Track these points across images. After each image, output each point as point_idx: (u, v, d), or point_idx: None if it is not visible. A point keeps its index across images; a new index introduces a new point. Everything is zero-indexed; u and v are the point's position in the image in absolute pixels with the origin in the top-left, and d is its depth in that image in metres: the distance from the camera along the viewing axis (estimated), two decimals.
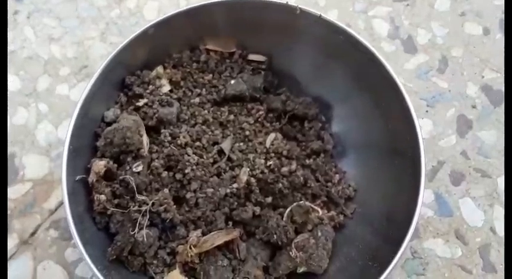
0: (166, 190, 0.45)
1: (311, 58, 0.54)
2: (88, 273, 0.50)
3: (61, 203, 0.54)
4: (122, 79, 0.50)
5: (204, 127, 0.50)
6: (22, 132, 0.57)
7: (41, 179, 0.55)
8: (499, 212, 0.55)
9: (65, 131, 0.56)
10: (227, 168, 0.49)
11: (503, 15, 0.65)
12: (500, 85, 0.61)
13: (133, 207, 0.43)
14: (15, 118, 0.58)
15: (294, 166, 0.50)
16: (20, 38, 0.63)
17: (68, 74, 0.61)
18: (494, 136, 0.58)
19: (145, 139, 0.46)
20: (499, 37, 0.64)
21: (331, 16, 0.64)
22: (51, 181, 0.55)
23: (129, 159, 0.45)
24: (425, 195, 0.55)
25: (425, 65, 0.62)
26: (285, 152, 0.51)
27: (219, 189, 0.47)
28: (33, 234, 0.52)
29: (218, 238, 0.45)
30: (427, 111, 0.59)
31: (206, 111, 0.51)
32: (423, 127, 0.58)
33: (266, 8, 0.50)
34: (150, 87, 0.50)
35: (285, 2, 0.49)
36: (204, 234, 0.45)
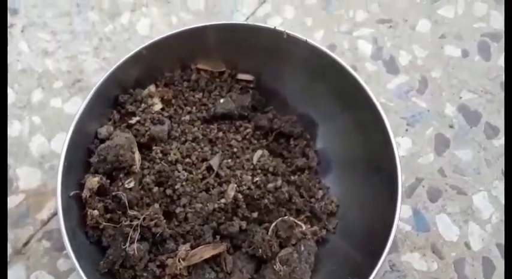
0: (156, 205, 0.47)
1: (297, 79, 0.56)
2: None
3: (54, 214, 0.55)
4: (115, 97, 0.52)
5: (193, 144, 0.52)
6: (16, 144, 0.59)
7: (34, 191, 0.56)
8: (474, 228, 0.57)
9: (58, 144, 0.59)
10: (215, 184, 0.51)
11: (481, 38, 0.68)
12: (477, 105, 0.63)
13: (125, 222, 0.45)
14: (10, 130, 0.59)
15: (279, 182, 0.52)
16: (14, 51, 0.64)
17: (61, 87, 0.62)
18: (470, 155, 0.61)
19: (137, 156, 0.48)
20: (478, 59, 0.66)
21: (317, 36, 0.67)
22: (44, 193, 0.56)
23: (121, 175, 0.47)
24: (403, 210, 0.57)
25: (406, 85, 0.64)
26: (271, 169, 0.53)
27: (208, 204, 0.49)
28: (26, 244, 0.54)
29: (206, 252, 0.47)
30: (407, 130, 0.62)
31: (196, 129, 0.53)
32: (403, 145, 0.61)
33: (255, 32, 0.53)
34: (143, 105, 0.51)
35: (273, 27, 0.52)
36: (192, 248, 0.47)
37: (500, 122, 0.62)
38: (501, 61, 0.66)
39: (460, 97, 0.64)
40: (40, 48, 0.65)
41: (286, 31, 0.51)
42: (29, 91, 0.62)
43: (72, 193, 0.45)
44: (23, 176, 0.57)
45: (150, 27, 0.66)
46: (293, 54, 0.54)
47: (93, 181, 0.45)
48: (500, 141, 0.61)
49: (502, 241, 0.56)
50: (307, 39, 0.51)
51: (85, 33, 0.66)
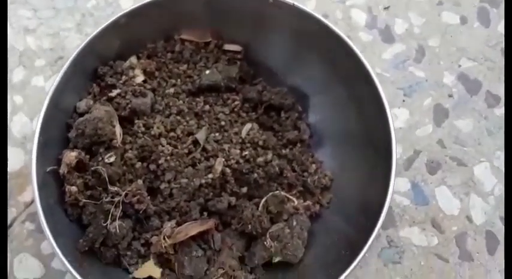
0: (140, 181, 0.45)
1: (287, 49, 0.53)
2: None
3: None
4: (94, 70, 0.49)
5: (178, 117, 0.50)
6: None
7: (16, 172, 0.54)
8: (475, 200, 0.55)
9: None
10: (202, 158, 0.48)
11: (480, 4, 0.65)
12: (476, 74, 0.61)
13: (106, 198, 0.43)
14: None
15: (269, 156, 0.50)
16: None
17: (43, 65, 0.60)
18: (471, 125, 0.58)
19: (118, 129, 0.46)
20: (477, 26, 0.64)
21: (309, 6, 0.64)
22: (27, 174, 0.54)
23: (101, 150, 0.45)
24: (401, 184, 0.55)
25: (403, 55, 0.62)
26: (260, 143, 0.51)
27: (194, 179, 0.47)
28: (9, 227, 0.52)
29: (192, 229, 0.45)
30: (404, 101, 0.59)
31: (181, 102, 0.51)
32: (400, 116, 0.58)
33: None
34: (124, 77, 0.49)
35: None
36: (178, 224, 0.45)
37: (501, 90, 0.60)
38: (501, 27, 0.63)
39: (459, 66, 0.61)
40: (21, 25, 0.62)
41: None
42: (10, 70, 0.60)
43: (48, 169, 0.43)
44: None
45: (134, 0, 0.64)
46: (281, 22, 0.51)
47: (70, 156, 0.43)
48: (501, 110, 0.59)
49: None
50: (294, 3, 0.48)
51: (67, 9, 0.63)
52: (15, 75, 0.59)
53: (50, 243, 0.40)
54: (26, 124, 0.57)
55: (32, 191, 0.52)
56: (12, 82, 0.59)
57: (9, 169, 0.54)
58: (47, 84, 0.59)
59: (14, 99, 0.58)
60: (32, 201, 0.53)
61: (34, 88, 0.59)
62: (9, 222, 0.52)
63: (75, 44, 0.61)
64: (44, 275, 0.50)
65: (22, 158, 0.55)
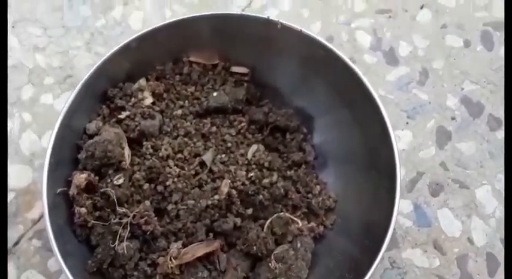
0: (147, 202, 0.46)
1: (293, 71, 0.54)
2: None
3: None
4: (104, 92, 0.50)
5: (186, 139, 0.51)
6: None
7: (24, 189, 0.55)
8: (477, 222, 0.56)
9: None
10: (208, 180, 0.49)
11: (484, 27, 0.66)
12: (479, 96, 0.62)
13: (114, 219, 0.44)
14: None
15: (275, 178, 0.50)
16: None
17: (52, 83, 0.61)
18: (473, 148, 0.59)
19: (126, 151, 0.46)
20: (480, 49, 0.65)
21: (314, 28, 0.65)
22: (34, 191, 0.55)
23: (110, 172, 0.45)
24: (404, 205, 0.56)
25: (407, 77, 0.62)
26: (266, 164, 0.51)
27: (200, 201, 0.47)
28: (16, 244, 0.53)
29: (199, 250, 0.46)
30: (407, 123, 0.60)
31: (188, 123, 0.52)
32: (403, 138, 0.59)
33: (248, 22, 0.51)
34: (133, 99, 0.50)
35: (267, 17, 0.50)
36: (184, 246, 0.46)
37: (503, 113, 0.60)
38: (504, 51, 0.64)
39: (462, 89, 0.62)
40: (31, 43, 0.63)
41: (280, 21, 0.50)
42: (19, 88, 0.60)
43: (59, 190, 0.44)
44: (13, 175, 0.56)
45: (143, 21, 0.65)
46: (288, 46, 0.52)
47: (80, 178, 0.43)
48: (503, 133, 0.59)
49: None
50: (302, 29, 0.49)
51: (76, 28, 0.64)
52: (24, 92, 0.60)
53: (58, 263, 0.40)
54: (34, 142, 0.58)
55: (40, 209, 0.54)
56: (21, 100, 0.60)
57: (16, 186, 0.55)
58: (55, 102, 0.60)
59: (22, 116, 0.59)
60: (40, 218, 0.54)
61: (43, 106, 0.60)
62: (16, 239, 0.53)
63: (84, 62, 0.62)
64: None
65: (30, 175, 0.56)
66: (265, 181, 0.50)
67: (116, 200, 0.44)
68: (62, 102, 0.60)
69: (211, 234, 0.47)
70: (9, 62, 0.62)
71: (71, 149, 0.47)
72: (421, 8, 0.67)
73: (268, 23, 0.50)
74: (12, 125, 0.58)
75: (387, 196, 0.46)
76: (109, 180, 0.45)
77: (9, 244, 0.52)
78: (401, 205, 0.56)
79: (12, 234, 0.53)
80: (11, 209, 0.54)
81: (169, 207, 0.47)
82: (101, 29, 0.64)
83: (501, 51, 0.64)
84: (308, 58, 0.52)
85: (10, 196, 0.54)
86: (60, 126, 0.44)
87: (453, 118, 0.60)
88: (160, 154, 0.48)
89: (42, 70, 0.62)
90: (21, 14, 0.65)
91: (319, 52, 0.50)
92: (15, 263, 0.52)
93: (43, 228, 0.53)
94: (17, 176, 0.56)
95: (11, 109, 0.59)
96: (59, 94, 0.60)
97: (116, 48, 0.47)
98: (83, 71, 0.61)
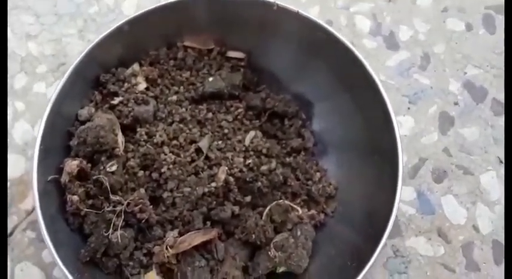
0: (142, 190, 0.44)
1: (291, 56, 0.53)
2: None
3: None
4: (96, 77, 0.49)
5: (181, 125, 0.49)
6: None
7: (17, 179, 0.54)
8: (482, 209, 0.54)
9: None
10: (205, 167, 0.48)
11: (485, 11, 0.64)
12: (482, 81, 0.60)
13: (108, 207, 0.42)
14: None
15: (273, 164, 0.49)
16: None
17: (45, 72, 0.60)
18: (477, 133, 0.57)
19: (120, 138, 0.45)
20: (482, 32, 0.63)
21: (313, 13, 0.63)
22: (28, 181, 0.54)
23: (103, 159, 0.44)
24: (407, 193, 0.54)
25: (407, 62, 0.61)
26: (264, 151, 0.50)
27: (197, 188, 0.46)
28: (10, 235, 0.51)
29: (195, 238, 0.44)
30: (408, 108, 0.58)
31: (184, 109, 0.50)
32: (405, 124, 0.58)
33: (244, 4, 0.50)
34: (126, 84, 0.49)
35: None
36: (181, 234, 0.44)
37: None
38: None
39: (465, 73, 0.61)
40: (23, 31, 0.62)
41: (276, 2, 0.48)
42: (11, 76, 0.59)
43: (50, 178, 0.42)
44: None
45: (137, 7, 0.63)
46: (285, 29, 0.51)
47: (72, 165, 0.42)
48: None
49: None
50: (299, 10, 0.48)
51: (69, 15, 0.63)
52: (16, 81, 0.59)
53: (50, 253, 0.39)
54: (27, 131, 0.56)
55: (33, 199, 0.53)
56: (13, 89, 0.58)
57: (10, 176, 0.54)
58: (48, 90, 0.59)
59: (15, 105, 0.57)
60: (33, 209, 0.53)
61: (36, 94, 0.58)
62: (10, 230, 0.52)
63: (77, 50, 0.61)
64: None
65: (23, 165, 0.55)
66: (264, 168, 0.48)
67: (109, 188, 0.42)
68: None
69: (208, 223, 0.46)
70: None
71: (62, 137, 0.46)
72: None
73: (264, 4, 0.49)
74: None
75: (389, 182, 0.44)
76: (102, 167, 0.44)
77: None
78: (404, 192, 0.54)
79: None
80: None
81: (165, 195, 0.45)
82: (94, 15, 0.63)
83: (504, 34, 0.63)
84: (306, 42, 0.51)
85: None
86: (51, 113, 0.43)
87: (456, 103, 0.59)
88: (155, 141, 0.47)
89: (35, 59, 0.60)
90: (14, 2, 0.63)
91: (317, 35, 0.49)
92: (9, 255, 0.51)
93: (37, 219, 0.52)
94: (10, 166, 0.54)
95: None
96: (52, 82, 0.59)
97: (106, 31, 0.46)
98: (76, 59, 0.60)
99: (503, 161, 0.55)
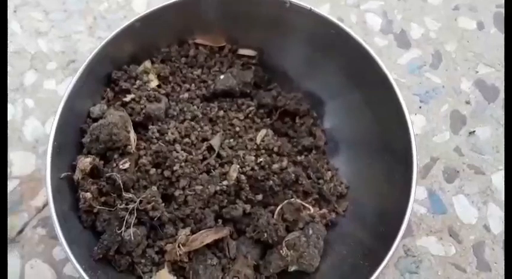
0: (154, 188, 0.44)
1: (302, 53, 0.53)
2: (76, 272, 0.49)
3: None
4: (108, 74, 0.49)
5: (193, 123, 0.49)
6: (9, 128, 0.56)
7: (28, 176, 0.54)
8: (493, 209, 0.54)
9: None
10: (217, 165, 0.48)
11: (497, 9, 0.64)
12: (494, 80, 0.60)
13: (120, 205, 0.42)
14: None
15: (285, 163, 0.49)
16: None
17: (55, 69, 0.59)
18: (488, 133, 0.57)
19: (132, 135, 0.45)
20: (494, 31, 0.63)
21: (323, 10, 0.63)
22: (39, 178, 0.54)
23: (115, 156, 0.44)
24: (418, 192, 0.54)
25: (419, 60, 0.61)
26: (275, 149, 0.50)
27: (209, 186, 0.46)
28: (20, 232, 0.51)
29: (207, 236, 0.44)
30: (420, 107, 0.58)
31: (195, 107, 0.50)
32: (416, 123, 0.57)
33: (256, 2, 0.49)
34: (138, 82, 0.48)
35: None
36: (193, 232, 0.44)
37: None
38: None
39: (477, 72, 0.60)
40: (33, 28, 0.62)
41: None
42: (21, 73, 0.59)
43: (63, 175, 0.42)
44: (17, 162, 0.54)
45: (147, 4, 0.63)
46: (297, 26, 0.50)
47: (85, 162, 0.42)
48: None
49: None
50: (312, 8, 0.48)
51: (79, 12, 0.63)
52: (26, 78, 0.59)
53: (64, 250, 0.39)
54: (37, 128, 0.56)
55: (45, 196, 0.53)
56: (23, 86, 0.58)
57: (20, 173, 0.54)
58: (58, 87, 0.59)
59: (25, 102, 0.57)
60: (44, 206, 0.53)
61: (46, 91, 0.58)
62: (20, 227, 0.52)
63: (87, 47, 0.61)
64: None
65: (34, 162, 0.55)
66: (275, 166, 0.48)
67: (121, 185, 0.42)
68: (65, 87, 0.57)
69: (220, 221, 0.46)
70: (11, 48, 0.60)
71: (75, 134, 0.45)
72: None
73: (276, 1, 0.48)
74: (15, 111, 0.57)
75: (402, 181, 0.44)
76: (114, 164, 0.43)
77: (13, 233, 0.51)
78: (416, 192, 0.54)
79: (16, 223, 0.52)
80: (14, 196, 0.53)
81: (177, 193, 0.45)
82: (104, 12, 0.63)
83: None
84: (318, 40, 0.50)
85: (14, 184, 0.53)
86: (63, 110, 0.43)
87: (468, 102, 0.59)
88: (167, 138, 0.47)
89: (45, 56, 0.60)
90: None
91: (329, 32, 0.49)
92: (19, 252, 0.50)
93: (47, 216, 0.52)
94: (20, 163, 0.54)
95: (13, 96, 0.57)
96: (62, 79, 0.59)
97: (118, 29, 0.46)
98: (86, 56, 0.58)
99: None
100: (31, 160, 0.55)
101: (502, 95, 0.59)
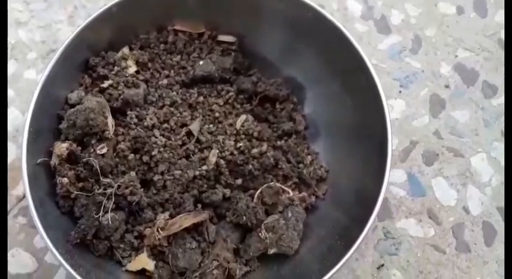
0: (132, 173, 0.44)
1: (282, 39, 0.53)
2: (56, 260, 0.49)
3: None
4: (86, 61, 0.49)
5: (172, 108, 0.49)
6: None
7: (8, 166, 0.54)
8: (473, 191, 0.54)
9: None
10: (196, 150, 0.48)
11: None
12: (473, 64, 0.60)
13: (98, 190, 0.42)
14: None
15: (264, 148, 0.49)
16: None
17: (35, 58, 0.59)
18: (467, 116, 0.58)
19: (110, 120, 0.45)
20: (473, 16, 0.63)
21: None
22: (19, 168, 0.53)
23: (93, 141, 0.44)
24: (397, 175, 0.55)
25: (399, 45, 0.61)
26: (255, 134, 0.50)
27: (188, 171, 0.46)
28: None
29: (186, 220, 0.44)
30: (400, 92, 0.59)
31: (174, 93, 0.50)
32: (396, 107, 0.58)
33: None
34: (116, 68, 0.48)
35: None
36: (172, 217, 0.44)
37: (498, 80, 0.59)
38: (498, 17, 0.63)
39: (456, 56, 0.61)
40: (12, 18, 0.62)
41: None
42: None
43: (39, 160, 0.42)
44: None
45: None
46: (277, 12, 0.50)
47: (61, 147, 0.42)
48: (498, 100, 0.58)
49: (503, 204, 0.53)
50: None
51: (59, 1, 0.62)
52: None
53: (40, 236, 0.39)
54: (17, 118, 0.56)
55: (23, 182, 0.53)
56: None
57: None
58: (39, 77, 0.58)
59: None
60: (24, 195, 0.52)
61: (26, 81, 0.58)
62: None
63: (67, 36, 0.59)
64: (37, 270, 0.50)
65: (14, 151, 0.54)
66: (255, 151, 0.48)
67: (99, 170, 0.42)
68: None
69: (199, 206, 0.46)
70: None
71: (51, 120, 0.45)
72: None
73: None
74: None
75: (379, 165, 0.44)
76: (92, 150, 0.43)
77: None
78: (395, 175, 0.54)
79: None
80: None
81: (156, 178, 0.45)
82: (84, 1, 0.62)
83: (495, 17, 0.63)
84: (297, 25, 0.51)
85: None
86: (39, 96, 0.42)
87: (447, 86, 0.59)
88: (146, 124, 0.47)
89: (25, 45, 0.60)
90: None
91: (309, 17, 0.49)
92: None
93: (28, 205, 0.52)
94: None
95: None
96: (42, 69, 0.59)
97: (95, 14, 0.46)
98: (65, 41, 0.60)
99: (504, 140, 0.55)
100: (11, 149, 0.55)
101: (480, 79, 0.59)
